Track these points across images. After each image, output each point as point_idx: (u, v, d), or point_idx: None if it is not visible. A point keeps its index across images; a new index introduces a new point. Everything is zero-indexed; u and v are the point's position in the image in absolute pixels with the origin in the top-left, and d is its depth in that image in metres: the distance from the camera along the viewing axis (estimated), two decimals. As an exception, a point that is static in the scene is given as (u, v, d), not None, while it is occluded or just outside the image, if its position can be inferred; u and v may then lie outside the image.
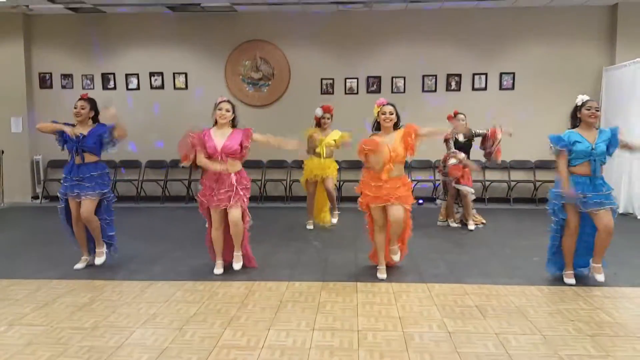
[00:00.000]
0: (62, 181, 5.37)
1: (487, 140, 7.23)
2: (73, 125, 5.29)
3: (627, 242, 6.35)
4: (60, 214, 5.40)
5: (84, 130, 5.26)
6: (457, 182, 7.29)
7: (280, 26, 9.92)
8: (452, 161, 7.15)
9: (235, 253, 5.28)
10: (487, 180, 9.65)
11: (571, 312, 4.15)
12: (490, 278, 5.03)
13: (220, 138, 5.08)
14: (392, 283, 4.87)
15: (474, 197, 7.49)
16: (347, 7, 9.53)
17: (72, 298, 4.49)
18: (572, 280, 4.87)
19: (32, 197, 10.22)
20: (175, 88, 10.13)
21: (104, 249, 5.47)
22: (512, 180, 9.74)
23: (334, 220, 7.50)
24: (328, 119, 7.19)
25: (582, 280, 4.90)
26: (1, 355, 3.40)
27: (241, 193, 5.10)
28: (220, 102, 5.17)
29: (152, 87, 10.14)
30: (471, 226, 7.41)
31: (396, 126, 4.94)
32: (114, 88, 10.08)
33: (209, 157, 5.08)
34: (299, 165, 9.65)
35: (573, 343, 3.57)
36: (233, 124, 5.21)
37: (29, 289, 4.71)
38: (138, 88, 10.15)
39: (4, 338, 3.67)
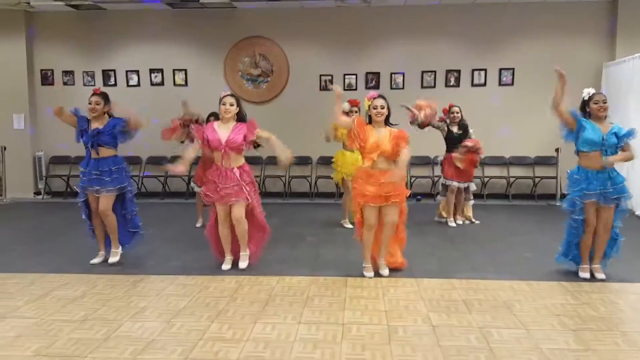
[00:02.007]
0: (80, 175, 5.39)
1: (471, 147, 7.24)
2: (88, 120, 5.33)
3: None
4: (81, 209, 5.43)
5: (99, 125, 5.31)
6: (456, 178, 7.32)
7: (279, 23, 9.95)
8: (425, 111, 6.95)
9: (241, 252, 5.24)
10: (486, 177, 9.64)
11: (557, 306, 4.17)
12: (479, 273, 5.06)
13: (224, 131, 5.06)
14: (381, 278, 4.90)
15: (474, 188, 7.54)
16: (346, 3, 9.55)
17: (64, 291, 4.56)
18: (587, 274, 4.90)
19: (34, 193, 10.32)
20: (175, 84, 10.19)
21: (120, 250, 5.47)
22: (511, 177, 9.73)
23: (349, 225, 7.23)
24: (356, 112, 7.08)
25: (573, 277, 4.91)
26: (-9, 346, 3.47)
27: (247, 189, 5.08)
28: (224, 97, 5.12)
29: (152, 84, 10.20)
30: (452, 223, 7.42)
31: (387, 119, 4.88)
32: (115, 84, 10.13)
33: (213, 150, 5.10)
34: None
35: (555, 337, 3.60)
36: (239, 117, 5.17)
37: (24, 283, 4.78)
38: (138, 84, 10.21)
39: (-5, 330, 3.75)
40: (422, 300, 4.31)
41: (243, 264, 5.22)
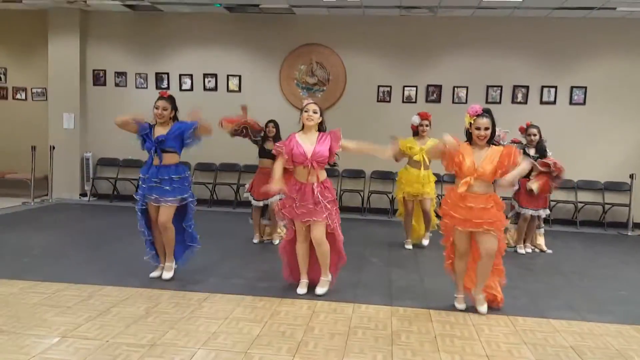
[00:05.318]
0: (140, 182, 5.02)
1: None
2: (151, 126, 4.97)
3: None
4: (138, 218, 5.01)
5: (163, 131, 4.93)
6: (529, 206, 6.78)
7: (338, 30, 9.59)
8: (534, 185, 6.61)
9: (322, 277, 4.78)
10: (552, 201, 9.04)
11: (682, 361, 3.65)
12: (577, 313, 4.53)
13: (308, 144, 4.62)
14: (469, 313, 4.41)
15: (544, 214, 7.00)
16: (411, 12, 9.13)
17: (126, 308, 4.20)
18: None
19: (80, 195, 10.11)
20: (228, 90, 9.88)
21: (174, 264, 5.10)
22: (579, 202, 9.14)
23: (425, 242, 6.94)
24: (427, 126, 6.65)
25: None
26: (54, 372, 3.12)
27: (329, 207, 4.61)
28: (307, 104, 4.72)
29: (205, 89, 9.91)
30: (521, 250, 6.87)
31: (491, 139, 4.36)
32: (167, 88, 9.84)
33: (297, 165, 4.64)
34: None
35: (697, 402, 3.09)
36: (320, 127, 4.77)
37: (81, 296, 4.44)
38: (191, 89, 9.92)
39: (57, 352, 3.38)
40: (525, 344, 3.82)
41: (322, 289, 4.74)
